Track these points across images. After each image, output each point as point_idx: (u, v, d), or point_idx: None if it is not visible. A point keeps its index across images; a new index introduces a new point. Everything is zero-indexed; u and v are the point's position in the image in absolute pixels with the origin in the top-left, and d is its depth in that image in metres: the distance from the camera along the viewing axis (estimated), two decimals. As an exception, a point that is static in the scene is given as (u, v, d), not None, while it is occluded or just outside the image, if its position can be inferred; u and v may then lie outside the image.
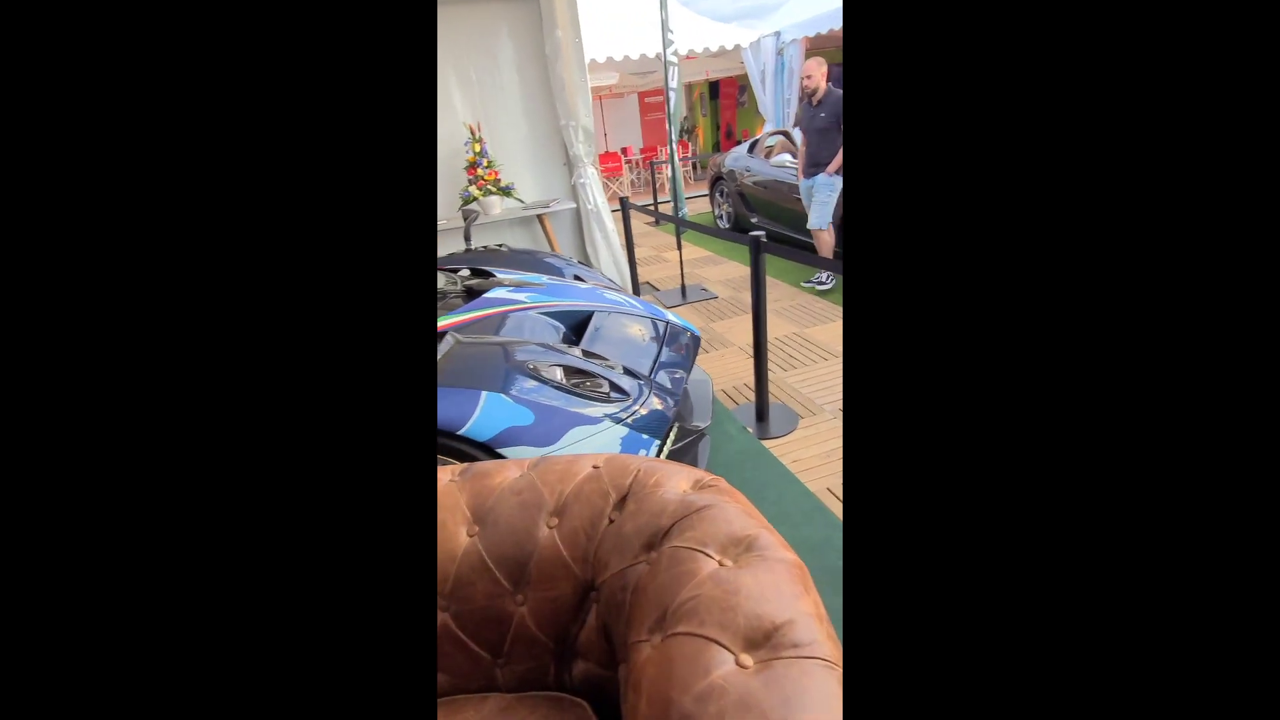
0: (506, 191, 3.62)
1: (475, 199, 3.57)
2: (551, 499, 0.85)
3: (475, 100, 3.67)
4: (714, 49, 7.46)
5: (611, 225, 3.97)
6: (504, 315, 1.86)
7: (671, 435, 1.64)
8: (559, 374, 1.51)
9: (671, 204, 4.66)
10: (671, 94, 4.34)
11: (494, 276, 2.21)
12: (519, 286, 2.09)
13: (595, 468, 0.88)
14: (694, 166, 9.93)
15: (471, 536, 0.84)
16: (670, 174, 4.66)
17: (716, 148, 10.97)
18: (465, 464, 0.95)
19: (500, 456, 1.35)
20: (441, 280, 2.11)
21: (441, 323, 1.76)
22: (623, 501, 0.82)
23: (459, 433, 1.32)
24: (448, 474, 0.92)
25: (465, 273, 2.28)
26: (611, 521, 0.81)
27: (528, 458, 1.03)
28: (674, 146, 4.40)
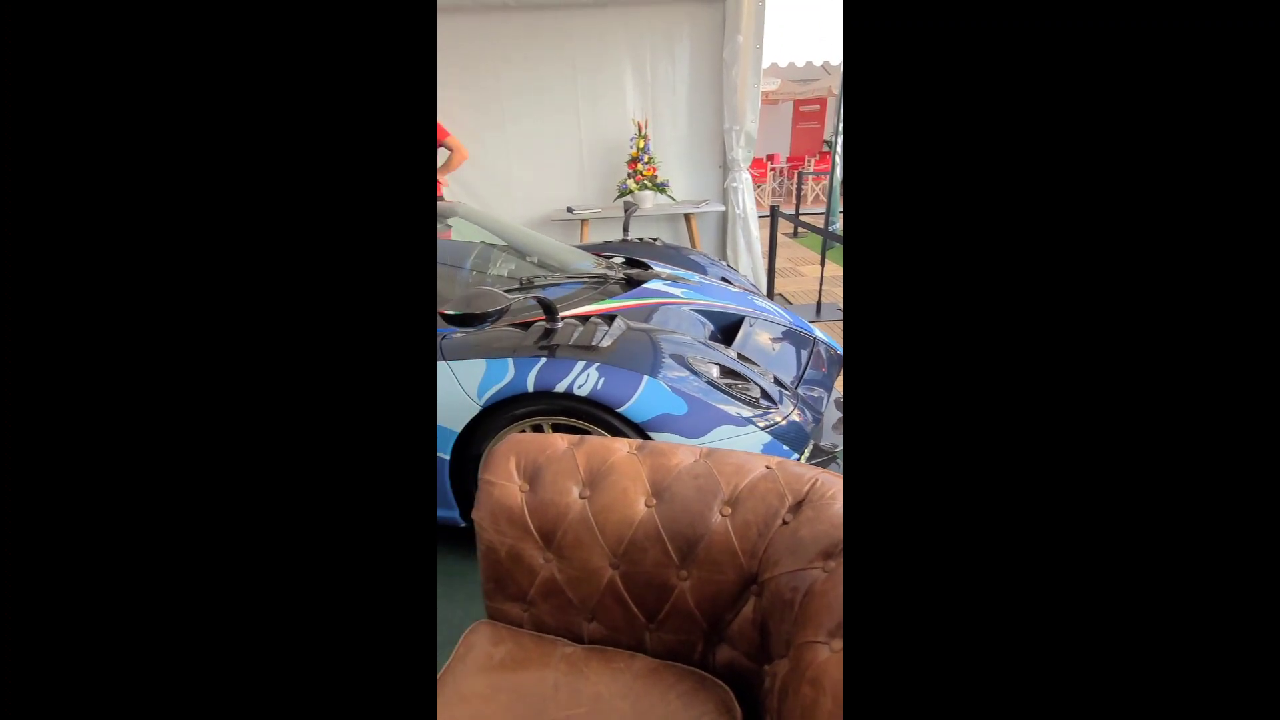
0: (661, 188, 3.74)
1: (632, 192, 3.73)
2: (726, 489, 0.90)
3: (647, 97, 3.82)
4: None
5: (756, 232, 3.96)
6: (655, 306, 1.95)
7: (807, 452, 1.64)
8: (715, 371, 1.56)
9: (823, 216, 4.54)
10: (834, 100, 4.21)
11: (650, 268, 2.31)
12: (674, 281, 2.18)
13: (768, 468, 0.91)
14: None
15: (649, 507, 0.92)
16: (827, 184, 4.54)
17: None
18: (641, 440, 1.03)
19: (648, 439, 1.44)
20: (601, 265, 2.25)
21: (602, 306, 1.88)
22: (798, 506, 0.84)
23: (618, 410, 1.42)
24: (625, 446, 1.00)
25: (621, 261, 2.41)
26: (785, 523, 0.84)
27: (699, 445, 1.08)
28: (836, 156, 4.29)
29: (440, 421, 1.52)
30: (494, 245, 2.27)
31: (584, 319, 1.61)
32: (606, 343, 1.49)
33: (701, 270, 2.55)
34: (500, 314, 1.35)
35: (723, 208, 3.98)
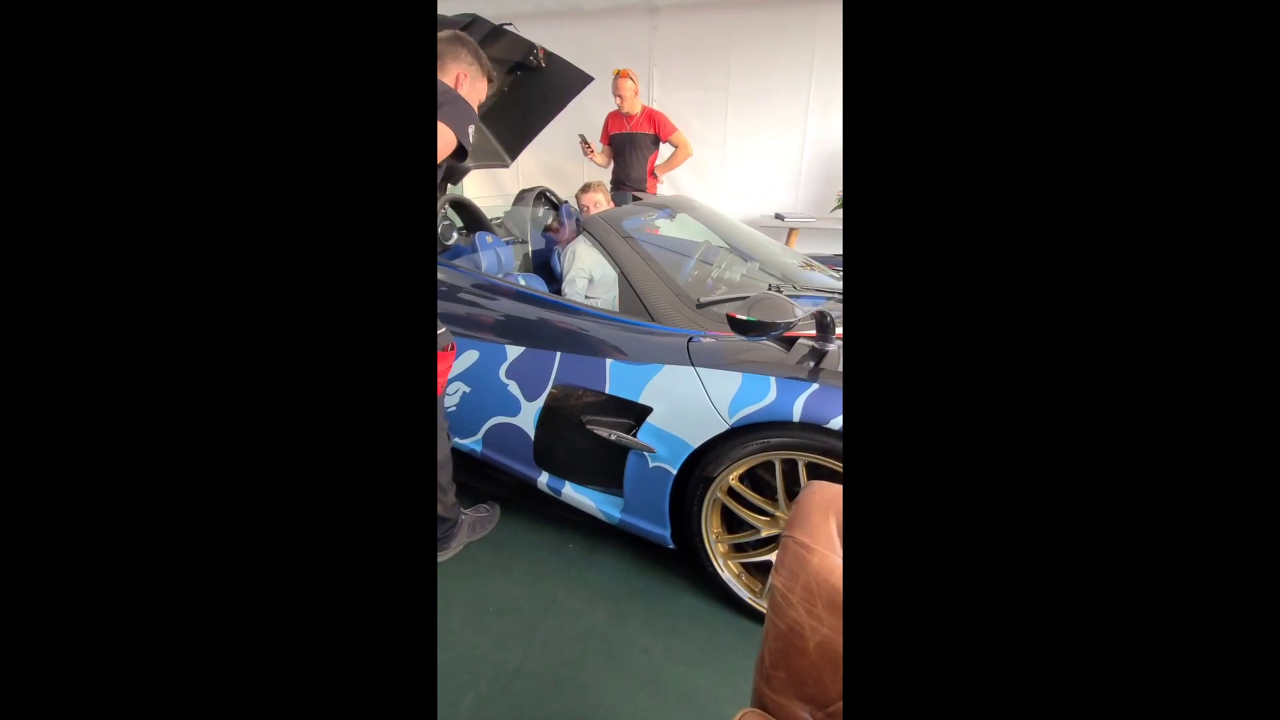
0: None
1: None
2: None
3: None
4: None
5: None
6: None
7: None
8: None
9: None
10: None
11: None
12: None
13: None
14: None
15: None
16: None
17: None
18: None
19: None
20: (838, 279, 1.98)
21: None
22: None
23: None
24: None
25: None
26: None
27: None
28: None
29: (675, 430, 1.36)
30: (719, 245, 2.11)
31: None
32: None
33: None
34: (789, 327, 1.15)
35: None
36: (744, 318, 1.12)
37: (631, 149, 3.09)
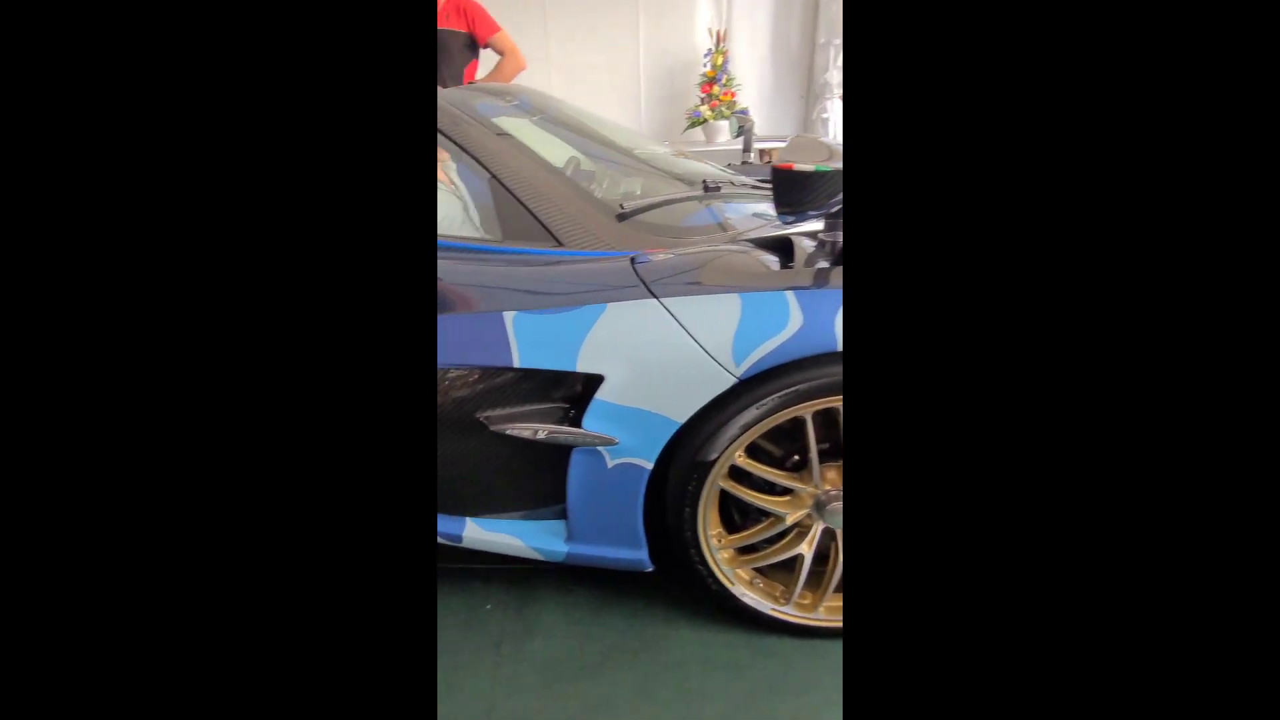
0: (744, 117, 3.08)
1: (705, 120, 3.06)
2: None
3: (723, 6, 3.13)
4: None
5: (843, 176, 3.36)
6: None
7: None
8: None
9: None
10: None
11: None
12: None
13: None
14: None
15: None
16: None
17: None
18: None
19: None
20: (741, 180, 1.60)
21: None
22: None
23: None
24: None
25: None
26: None
27: None
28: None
29: (646, 403, 0.87)
30: (598, 154, 1.59)
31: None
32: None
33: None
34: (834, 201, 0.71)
35: (804, 147, 3.35)
36: (810, 167, 0.65)
37: (438, 53, 2.31)
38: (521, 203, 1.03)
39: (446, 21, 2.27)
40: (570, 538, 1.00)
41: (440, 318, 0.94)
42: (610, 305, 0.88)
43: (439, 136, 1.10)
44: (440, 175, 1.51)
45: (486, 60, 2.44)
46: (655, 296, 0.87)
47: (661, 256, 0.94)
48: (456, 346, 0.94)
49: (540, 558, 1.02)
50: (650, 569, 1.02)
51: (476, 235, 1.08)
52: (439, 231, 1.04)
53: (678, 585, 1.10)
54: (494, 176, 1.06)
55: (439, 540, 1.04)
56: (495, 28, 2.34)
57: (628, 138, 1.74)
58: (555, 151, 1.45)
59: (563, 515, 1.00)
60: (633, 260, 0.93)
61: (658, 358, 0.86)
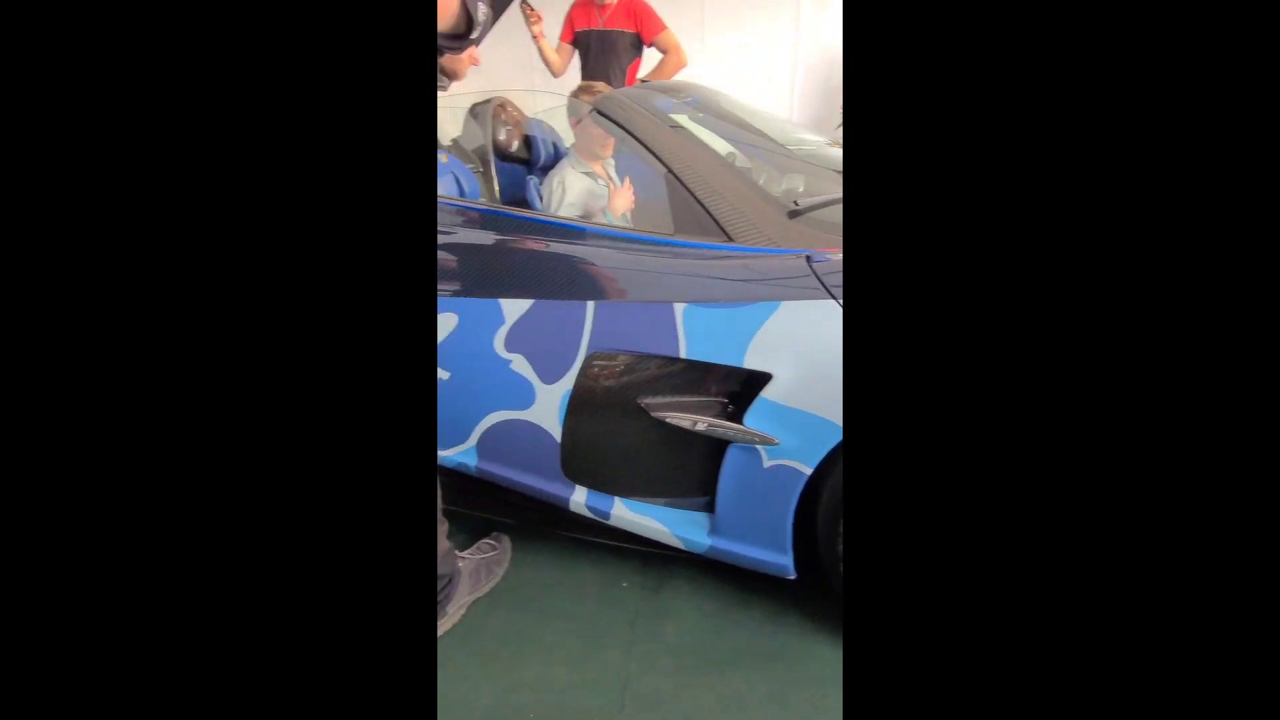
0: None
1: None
2: None
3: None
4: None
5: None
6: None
7: None
8: None
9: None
10: None
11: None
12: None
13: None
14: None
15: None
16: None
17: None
18: None
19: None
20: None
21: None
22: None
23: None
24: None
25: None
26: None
27: None
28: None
29: (814, 406, 0.85)
30: (758, 149, 1.56)
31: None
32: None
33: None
34: None
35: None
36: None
37: (604, 52, 2.33)
38: (695, 196, 1.05)
39: (616, 22, 2.35)
40: (714, 531, 1.01)
41: (610, 304, 0.99)
42: (784, 303, 0.87)
43: (619, 130, 1.15)
44: (598, 170, 1.57)
45: (649, 58, 2.49)
46: (834, 297, 0.84)
47: (840, 256, 0.90)
48: (625, 334, 0.98)
49: (682, 547, 1.04)
50: (793, 576, 1.00)
51: (648, 227, 1.11)
52: (606, 222, 1.09)
53: (815, 598, 1.07)
54: (669, 170, 1.08)
55: (587, 514, 1.10)
56: (661, 26, 2.38)
57: (788, 132, 1.70)
58: (715, 147, 1.46)
59: (709, 508, 1.01)
60: (809, 258, 0.90)
61: (832, 361, 0.83)
